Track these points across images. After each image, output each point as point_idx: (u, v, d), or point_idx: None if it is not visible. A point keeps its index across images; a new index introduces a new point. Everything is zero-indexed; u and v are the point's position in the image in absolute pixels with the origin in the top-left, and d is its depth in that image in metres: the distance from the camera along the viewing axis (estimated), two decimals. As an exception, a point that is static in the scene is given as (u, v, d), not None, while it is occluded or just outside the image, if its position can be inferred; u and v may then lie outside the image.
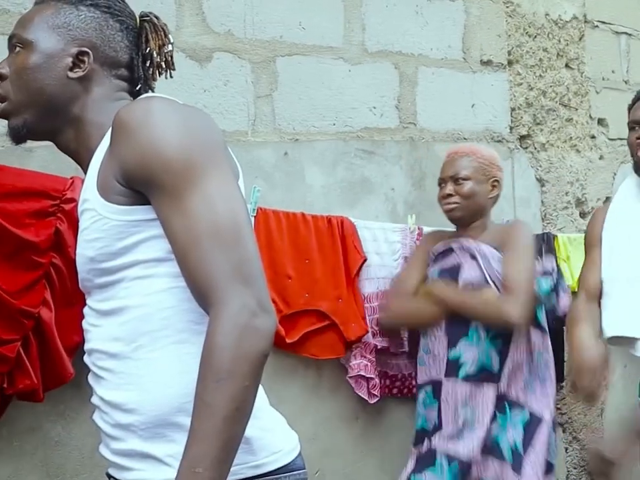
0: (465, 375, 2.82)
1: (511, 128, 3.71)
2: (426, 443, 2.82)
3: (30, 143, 2.24)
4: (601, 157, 4.15)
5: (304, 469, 1.50)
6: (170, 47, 1.66)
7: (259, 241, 2.53)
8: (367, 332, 2.94)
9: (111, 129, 1.41)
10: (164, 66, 1.66)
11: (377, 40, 3.21)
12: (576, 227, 3.97)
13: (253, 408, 1.29)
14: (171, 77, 1.69)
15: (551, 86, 3.89)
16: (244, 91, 2.80)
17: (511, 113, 3.71)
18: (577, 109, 4.02)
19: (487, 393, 2.82)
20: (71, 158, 1.61)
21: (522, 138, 3.76)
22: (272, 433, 1.44)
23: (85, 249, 1.45)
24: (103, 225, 1.40)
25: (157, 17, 1.66)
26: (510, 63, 3.71)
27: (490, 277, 2.84)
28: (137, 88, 1.65)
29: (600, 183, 4.14)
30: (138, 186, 1.37)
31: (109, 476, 1.52)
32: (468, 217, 2.95)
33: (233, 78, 2.78)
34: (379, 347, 3.01)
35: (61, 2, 1.56)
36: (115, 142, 1.39)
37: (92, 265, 1.44)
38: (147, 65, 1.64)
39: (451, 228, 3.15)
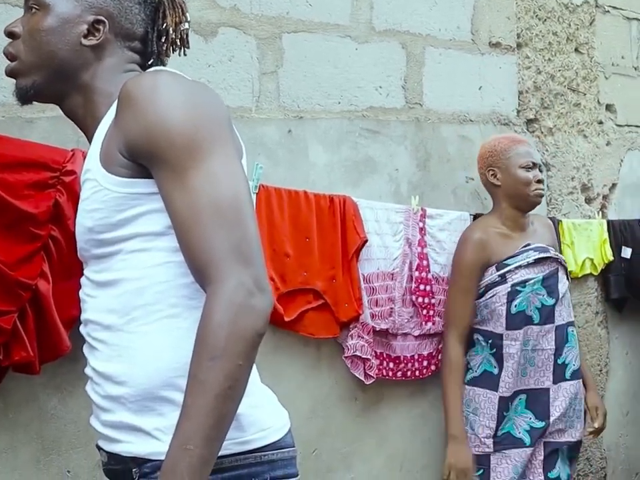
0: (571, 375, 3.14)
1: (518, 111, 3.68)
2: (531, 446, 3.07)
3: (31, 114, 2.27)
4: (608, 143, 4.12)
5: (293, 446, 1.50)
6: (187, 25, 1.65)
7: (259, 218, 2.53)
8: (359, 314, 2.91)
9: (117, 99, 1.40)
10: (178, 43, 1.66)
11: (384, 19, 3.18)
12: (581, 213, 3.95)
13: (246, 387, 1.29)
14: (185, 54, 1.68)
15: (559, 70, 3.86)
16: (249, 67, 2.78)
17: (519, 96, 3.68)
18: (585, 94, 3.99)
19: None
20: (76, 124, 1.61)
21: (529, 122, 3.73)
22: (261, 410, 1.44)
23: (84, 219, 1.45)
24: (103, 195, 1.40)
25: None
26: (519, 45, 3.68)
27: (569, 283, 3.27)
28: (149, 62, 1.64)
29: (606, 169, 4.12)
30: (141, 159, 1.37)
31: (99, 448, 1.53)
32: None
33: (237, 54, 2.75)
34: (377, 329, 3.00)
35: None
36: (120, 113, 1.39)
37: (90, 235, 1.44)
38: (162, 40, 1.64)
39: (450, 208, 3.17)
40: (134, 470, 1.41)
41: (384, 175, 3.16)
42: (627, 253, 3.86)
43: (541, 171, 3.18)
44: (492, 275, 3.08)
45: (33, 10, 1.54)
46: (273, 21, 2.84)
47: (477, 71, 3.50)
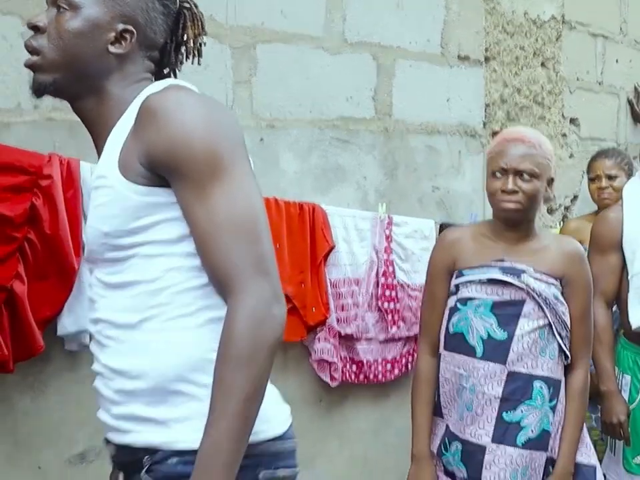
0: (525, 441, 2.47)
1: (485, 123, 3.77)
2: None
3: (7, 118, 2.32)
4: (571, 156, 4.23)
5: (294, 438, 1.57)
6: (205, 39, 1.70)
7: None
8: (326, 318, 3.00)
9: (137, 111, 1.45)
10: (196, 54, 1.71)
11: (357, 31, 3.25)
12: (543, 223, 4.04)
13: (266, 388, 1.38)
14: (199, 64, 1.71)
15: (525, 84, 3.95)
16: (223, 76, 2.84)
17: (485, 109, 3.77)
18: (550, 108, 4.09)
19: (541, 460, 2.50)
20: (85, 124, 1.62)
21: (495, 134, 3.80)
22: (268, 404, 1.48)
23: (100, 224, 1.48)
24: (121, 202, 1.45)
25: (195, 5, 1.69)
26: (487, 59, 3.77)
27: (555, 326, 2.50)
28: (166, 72, 1.68)
29: (569, 180, 4.22)
30: (162, 171, 1.42)
31: (107, 441, 1.57)
32: (523, 219, 2.55)
33: (212, 63, 2.80)
34: (342, 334, 3.07)
35: None
36: (143, 127, 1.43)
37: (105, 239, 1.48)
38: (180, 51, 1.66)
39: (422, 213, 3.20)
40: (145, 458, 1.46)
41: (352, 183, 3.23)
42: (587, 262, 3.95)
43: (524, 178, 2.48)
44: (453, 281, 2.60)
45: (61, 8, 1.53)
46: (247, 31, 2.90)
47: (445, 83, 3.58)
